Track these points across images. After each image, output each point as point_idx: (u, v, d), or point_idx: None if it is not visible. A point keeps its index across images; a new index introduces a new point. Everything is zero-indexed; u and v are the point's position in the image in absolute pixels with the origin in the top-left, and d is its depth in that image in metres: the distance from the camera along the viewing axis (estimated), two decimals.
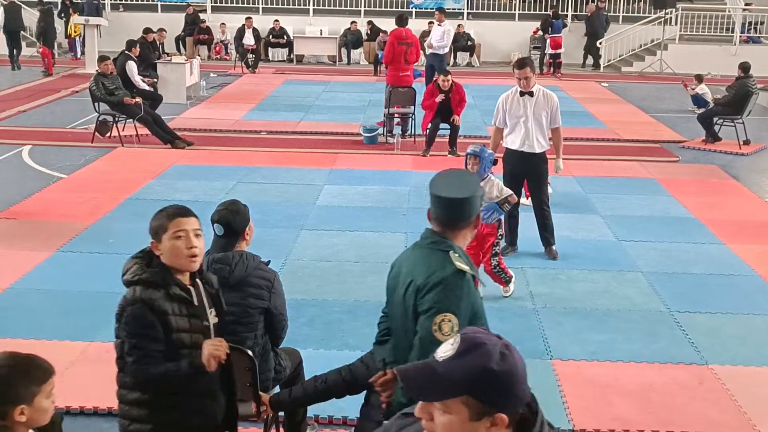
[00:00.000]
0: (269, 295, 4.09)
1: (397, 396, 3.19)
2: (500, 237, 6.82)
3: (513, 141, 7.61)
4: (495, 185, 6.61)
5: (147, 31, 15.71)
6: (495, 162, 6.68)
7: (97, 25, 18.80)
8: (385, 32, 20.62)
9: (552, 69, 21.11)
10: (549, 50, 21.25)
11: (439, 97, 11.41)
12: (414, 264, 3.24)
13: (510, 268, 7.46)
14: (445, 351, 1.79)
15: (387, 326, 3.45)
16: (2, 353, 2.82)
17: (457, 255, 3.19)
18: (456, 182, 3.31)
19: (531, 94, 7.47)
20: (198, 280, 3.40)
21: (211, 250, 4.17)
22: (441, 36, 16.04)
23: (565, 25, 21.49)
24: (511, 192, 6.67)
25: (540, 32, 21.80)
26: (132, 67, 13.03)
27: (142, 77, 13.55)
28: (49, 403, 2.80)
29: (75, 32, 21.21)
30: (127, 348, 3.26)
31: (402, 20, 13.12)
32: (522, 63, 7.57)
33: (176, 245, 3.27)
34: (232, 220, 4.13)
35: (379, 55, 20.42)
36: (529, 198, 8.03)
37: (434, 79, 12.23)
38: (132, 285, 3.30)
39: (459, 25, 22.32)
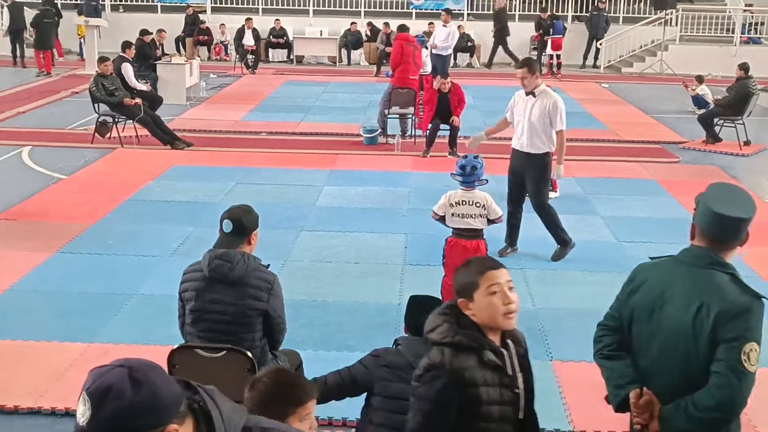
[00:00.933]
0: (268, 296, 4.08)
1: (672, 423, 3.03)
2: None
3: (514, 139, 7.69)
4: (449, 197, 6.22)
5: (144, 32, 15.71)
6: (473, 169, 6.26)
7: (97, 26, 18.78)
8: (387, 24, 20.79)
9: (551, 70, 21.11)
10: (549, 51, 21.24)
11: (435, 122, 11.46)
12: (697, 286, 3.04)
13: (510, 269, 7.43)
14: (83, 414, 1.73)
15: (615, 340, 3.30)
16: (271, 369, 3.02)
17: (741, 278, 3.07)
18: (737, 200, 3.15)
19: (533, 94, 7.47)
20: (509, 340, 3.02)
21: (215, 246, 4.18)
22: (446, 37, 16.08)
23: (565, 27, 21.45)
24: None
25: (541, 35, 21.71)
26: (128, 69, 13.01)
27: (139, 80, 13.54)
28: (304, 426, 2.77)
29: (80, 33, 21.22)
30: (414, 420, 2.96)
31: (404, 27, 13.36)
32: (521, 63, 7.60)
33: (492, 302, 2.93)
34: (243, 218, 4.15)
35: (381, 50, 20.57)
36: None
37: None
38: (440, 346, 2.90)
39: (459, 26, 22.31)
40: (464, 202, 6.16)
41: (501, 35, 21.74)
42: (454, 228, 6.25)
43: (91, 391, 1.72)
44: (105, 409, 1.70)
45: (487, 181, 6.38)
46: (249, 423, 1.95)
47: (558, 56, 21.13)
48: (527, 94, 7.50)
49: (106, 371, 1.75)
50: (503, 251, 7.76)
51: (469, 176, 6.16)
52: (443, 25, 16.51)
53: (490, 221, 6.20)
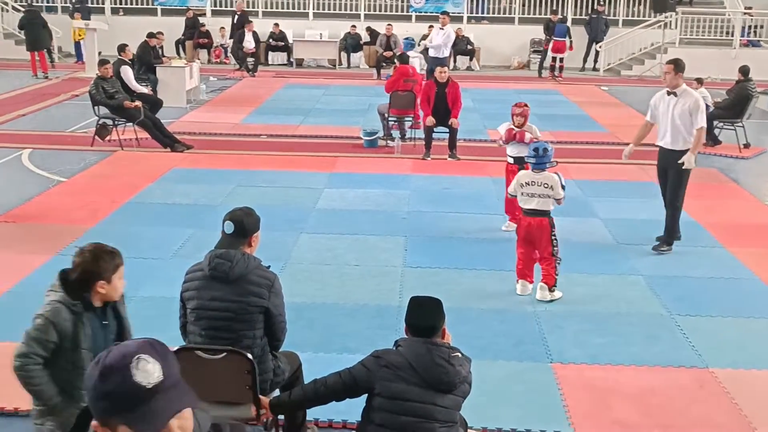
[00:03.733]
0: (269, 294, 4.09)
1: None
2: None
3: (658, 138, 8.10)
4: (520, 177, 6.76)
5: (150, 35, 15.70)
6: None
7: (95, 29, 18.78)
8: (390, 26, 20.81)
9: (553, 73, 21.11)
10: (550, 54, 21.25)
11: (430, 121, 11.41)
12: None
13: (510, 270, 7.45)
14: (153, 371, 1.74)
15: None
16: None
17: None
18: None
19: (675, 94, 7.83)
20: None
21: (216, 247, 4.19)
22: (442, 38, 16.19)
23: (568, 30, 21.39)
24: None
25: (546, 39, 21.68)
26: (127, 72, 13.02)
27: (140, 82, 13.56)
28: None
29: (79, 36, 21.23)
30: None
31: (404, 58, 13.30)
32: (670, 60, 8.09)
33: None
34: (244, 220, 4.18)
35: (380, 54, 20.66)
36: (510, 225, 8.28)
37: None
38: None
39: (458, 29, 22.35)
40: (533, 183, 6.66)
41: (240, 37, 21.48)
42: (523, 207, 6.75)
43: (152, 348, 1.76)
44: (170, 362, 1.77)
45: (557, 163, 6.86)
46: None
47: (561, 59, 21.13)
48: (669, 93, 7.89)
49: (136, 341, 1.80)
50: (658, 247, 8.09)
51: (541, 157, 6.69)
52: (440, 28, 16.67)
53: (557, 201, 6.71)
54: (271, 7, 23.77)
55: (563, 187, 6.70)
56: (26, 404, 4.99)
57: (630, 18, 23.47)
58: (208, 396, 4.11)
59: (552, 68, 21.21)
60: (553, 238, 6.71)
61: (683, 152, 7.86)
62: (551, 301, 6.71)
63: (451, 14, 21.05)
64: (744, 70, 13.06)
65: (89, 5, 21.89)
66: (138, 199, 9.48)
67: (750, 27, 23.09)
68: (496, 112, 14.97)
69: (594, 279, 7.37)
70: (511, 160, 8.42)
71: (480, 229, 8.62)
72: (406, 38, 15.91)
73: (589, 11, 22.86)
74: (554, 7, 22.94)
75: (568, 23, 21.97)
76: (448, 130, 11.59)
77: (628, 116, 15.95)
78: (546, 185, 6.63)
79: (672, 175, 8.00)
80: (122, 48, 13.47)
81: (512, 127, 8.41)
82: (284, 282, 4.41)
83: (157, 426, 1.74)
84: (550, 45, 21.15)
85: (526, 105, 8.54)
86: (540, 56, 21.97)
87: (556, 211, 6.82)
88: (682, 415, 5.14)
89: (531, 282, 6.86)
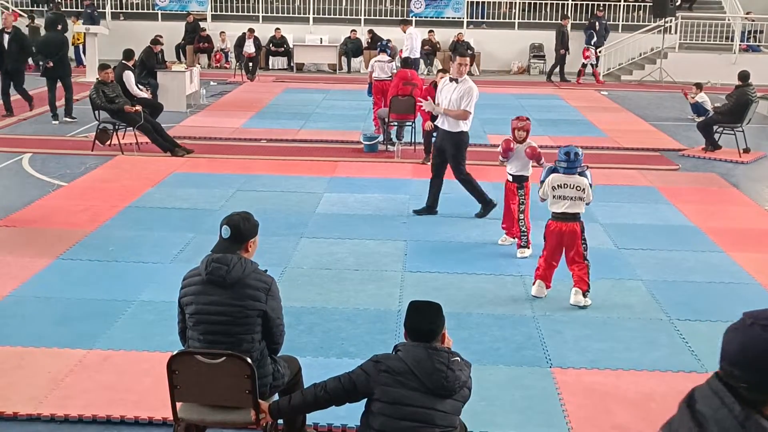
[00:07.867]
0: (266, 297, 4.09)
1: None
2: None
3: (439, 120, 9.13)
4: (551, 180, 6.75)
5: (155, 41, 15.69)
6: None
7: (96, 34, 18.80)
8: (389, 41, 20.87)
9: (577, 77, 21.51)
10: (583, 60, 21.58)
11: (428, 125, 11.38)
12: None
13: (509, 275, 7.47)
14: None
15: None
16: None
17: None
18: None
19: (456, 81, 8.80)
20: None
21: (212, 251, 4.19)
22: (405, 42, 16.92)
23: (591, 35, 21.55)
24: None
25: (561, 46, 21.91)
26: (129, 77, 13.04)
27: (140, 87, 13.57)
28: None
29: (78, 40, 21.26)
30: None
31: (407, 63, 13.32)
32: (469, 54, 9.37)
33: None
34: (241, 224, 4.17)
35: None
36: (507, 239, 8.34)
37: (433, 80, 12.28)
38: None
39: (459, 33, 22.39)
40: (565, 185, 6.71)
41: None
42: (553, 212, 6.78)
43: None
44: None
45: (587, 167, 6.91)
46: None
47: (592, 65, 21.63)
48: (452, 80, 8.83)
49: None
50: (481, 215, 9.07)
51: (573, 162, 6.74)
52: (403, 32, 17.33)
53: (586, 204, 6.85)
54: (272, 12, 23.81)
55: (590, 185, 6.81)
56: (26, 408, 5.00)
57: (630, 23, 23.51)
58: (208, 400, 4.11)
59: (579, 74, 21.55)
60: (583, 242, 6.77)
61: (456, 133, 8.82)
62: (584, 306, 6.74)
63: (451, 19, 21.18)
64: (743, 75, 13.07)
65: (95, 12, 21.89)
66: (138, 203, 9.49)
67: (750, 32, 23.13)
68: (493, 116, 15.03)
69: (593, 284, 7.34)
70: (510, 178, 8.04)
71: (480, 234, 8.63)
72: (381, 40, 16.09)
73: (589, 16, 22.89)
74: (562, 12, 22.98)
75: (568, 28, 22.01)
76: None
77: (628, 121, 15.98)
78: (578, 188, 6.69)
79: (450, 152, 8.95)
80: (130, 55, 13.46)
81: (510, 139, 7.97)
82: (284, 286, 4.42)
83: None
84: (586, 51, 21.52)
85: (527, 119, 8.12)
86: (542, 61, 22.03)
87: None
88: None
89: (549, 287, 6.93)
